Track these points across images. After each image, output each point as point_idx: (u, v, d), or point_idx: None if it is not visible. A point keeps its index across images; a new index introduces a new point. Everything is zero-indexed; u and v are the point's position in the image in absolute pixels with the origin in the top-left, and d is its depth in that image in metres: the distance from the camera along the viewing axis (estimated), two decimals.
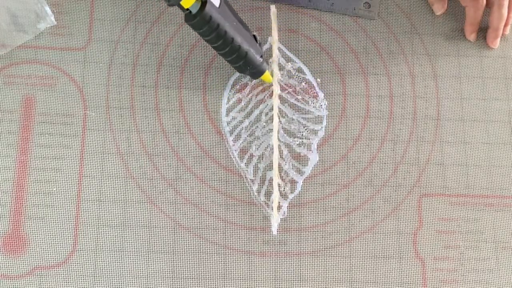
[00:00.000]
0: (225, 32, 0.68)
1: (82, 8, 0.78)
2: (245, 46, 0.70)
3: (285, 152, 0.74)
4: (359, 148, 0.75)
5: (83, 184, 0.72)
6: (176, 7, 0.66)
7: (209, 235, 0.71)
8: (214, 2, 0.67)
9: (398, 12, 0.81)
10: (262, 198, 0.72)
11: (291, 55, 0.78)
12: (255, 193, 0.73)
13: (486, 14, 0.80)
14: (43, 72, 0.75)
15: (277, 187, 0.73)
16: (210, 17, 0.66)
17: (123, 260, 0.69)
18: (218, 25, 0.67)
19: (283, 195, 0.73)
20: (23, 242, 0.69)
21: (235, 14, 0.71)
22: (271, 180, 0.73)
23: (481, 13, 0.79)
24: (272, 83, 0.76)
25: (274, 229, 0.71)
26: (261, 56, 0.73)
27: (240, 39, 0.69)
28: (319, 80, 0.77)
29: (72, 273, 0.69)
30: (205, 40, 0.69)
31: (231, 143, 0.74)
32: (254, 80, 0.76)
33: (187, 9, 0.67)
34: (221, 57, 0.72)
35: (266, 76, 0.74)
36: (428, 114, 0.77)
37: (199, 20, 0.66)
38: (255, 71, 0.73)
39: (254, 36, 0.73)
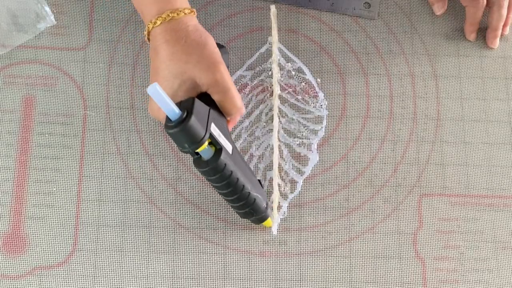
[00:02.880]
0: (237, 179, 0.63)
1: (82, 8, 0.78)
2: (254, 192, 0.65)
3: (285, 152, 0.74)
4: (359, 148, 0.75)
5: (83, 184, 0.72)
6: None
7: (209, 235, 0.71)
8: (227, 148, 0.62)
9: (398, 12, 0.81)
10: None
11: (291, 55, 0.78)
12: None
13: (486, 14, 0.80)
14: (43, 72, 0.75)
15: (277, 187, 0.73)
16: (225, 165, 0.61)
17: (123, 260, 0.69)
18: (231, 172, 0.62)
19: (283, 195, 0.72)
20: (23, 242, 0.69)
21: (243, 158, 0.66)
22: (271, 180, 0.73)
23: (481, 13, 0.79)
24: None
25: (274, 229, 0.71)
26: (266, 203, 0.68)
27: (250, 186, 0.65)
28: (319, 80, 0.77)
29: (72, 273, 0.69)
30: (213, 185, 0.65)
31: None
32: (254, 80, 0.76)
33: (197, 153, 0.62)
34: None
35: (268, 222, 0.70)
36: (428, 114, 0.77)
37: (212, 168, 0.61)
38: (260, 217, 0.69)
39: (259, 181, 0.68)
